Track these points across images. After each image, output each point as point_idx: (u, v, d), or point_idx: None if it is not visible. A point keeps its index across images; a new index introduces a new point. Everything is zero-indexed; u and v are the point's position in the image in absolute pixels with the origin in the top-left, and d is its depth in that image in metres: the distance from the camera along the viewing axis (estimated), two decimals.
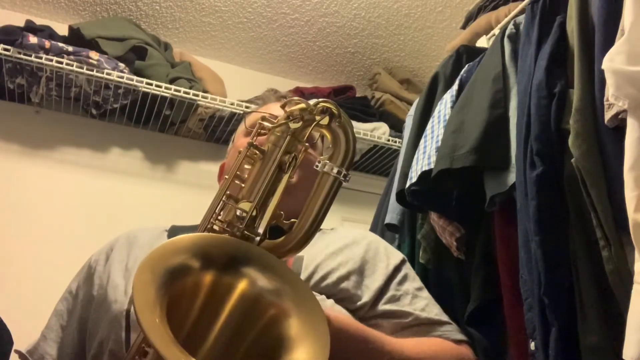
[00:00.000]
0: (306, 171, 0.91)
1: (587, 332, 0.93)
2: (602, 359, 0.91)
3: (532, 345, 0.99)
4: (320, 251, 0.90)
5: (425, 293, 0.95)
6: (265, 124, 0.73)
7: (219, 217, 0.69)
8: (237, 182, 0.71)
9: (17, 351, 0.96)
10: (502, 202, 1.16)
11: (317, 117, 0.70)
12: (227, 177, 0.72)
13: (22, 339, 1.04)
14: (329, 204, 0.70)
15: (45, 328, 0.96)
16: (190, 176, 2.24)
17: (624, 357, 0.79)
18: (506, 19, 1.49)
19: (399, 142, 2.20)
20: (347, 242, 0.95)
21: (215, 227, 0.68)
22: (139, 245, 0.95)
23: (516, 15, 1.41)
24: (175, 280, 0.58)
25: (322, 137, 0.85)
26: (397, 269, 0.95)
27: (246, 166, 0.73)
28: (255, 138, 0.73)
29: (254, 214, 0.68)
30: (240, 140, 1.04)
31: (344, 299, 0.86)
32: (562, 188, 1.02)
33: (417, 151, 1.37)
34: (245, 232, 0.66)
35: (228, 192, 0.70)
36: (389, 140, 2.25)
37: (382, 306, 0.88)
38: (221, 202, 0.70)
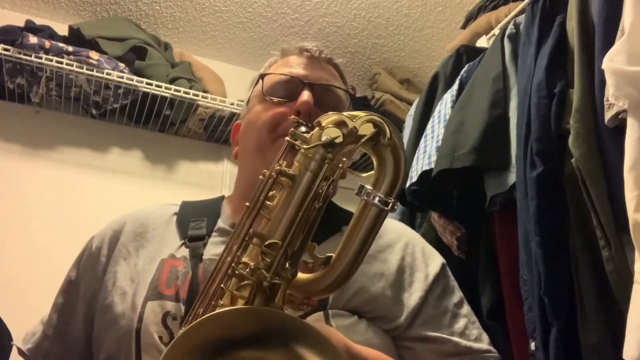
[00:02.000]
0: None
1: (587, 332, 0.93)
2: (602, 359, 0.91)
3: (532, 345, 1.00)
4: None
5: (465, 309, 0.85)
6: (296, 143, 0.60)
7: (242, 259, 0.58)
8: (261, 212, 0.60)
9: (18, 349, 0.88)
10: (503, 202, 1.16)
11: (361, 135, 0.58)
12: (248, 205, 0.61)
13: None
14: (373, 238, 0.60)
15: (46, 324, 0.88)
16: (190, 176, 2.24)
17: (624, 357, 0.79)
18: (506, 19, 1.49)
19: None
20: (381, 246, 0.84)
21: (237, 271, 0.57)
22: (148, 239, 0.85)
23: (516, 15, 1.41)
24: None
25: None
26: (437, 280, 0.84)
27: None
28: (282, 161, 0.61)
29: (283, 255, 0.57)
30: (255, 106, 0.89)
31: (379, 318, 0.77)
32: (562, 188, 1.02)
33: (417, 151, 1.37)
34: (273, 279, 0.57)
35: (251, 230, 0.58)
36: None
37: (419, 329, 0.79)
38: (244, 241, 0.59)
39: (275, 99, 0.86)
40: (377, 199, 0.58)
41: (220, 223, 0.85)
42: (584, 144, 0.97)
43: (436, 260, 0.88)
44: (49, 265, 1.87)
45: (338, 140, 0.58)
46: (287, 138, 0.61)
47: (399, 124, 2.26)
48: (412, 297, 0.80)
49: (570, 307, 0.97)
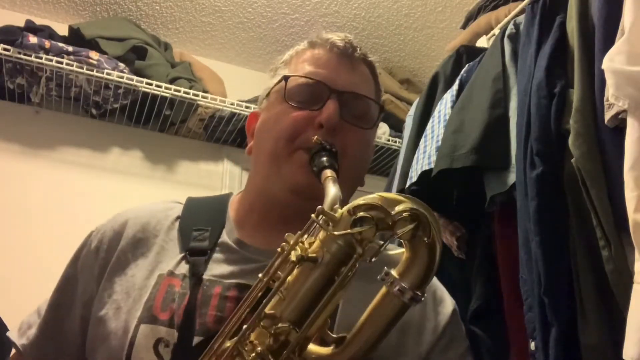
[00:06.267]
0: None
1: (587, 332, 0.93)
2: (602, 359, 0.91)
3: (532, 345, 0.99)
4: (359, 296, 0.65)
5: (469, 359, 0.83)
6: (321, 223, 0.56)
7: (250, 337, 0.56)
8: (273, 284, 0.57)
9: (12, 342, 0.86)
10: (503, 202, 1.16)
11: (399, 229, 0.54)
12: (261, 276, 0.58)
13: None
14: (392, 327, 0.57)
15: (42, 321, 0.85)
16: (190, 176, 2.24)
17: (624, 357, 0.79)
18: (506, 19, 1.49)
19: (399, 142, 2.20)
20: None
21: (243, 351, 0.55)
22: (149, 247, 0.81)
23: (516, 15, 1.41)
24: None
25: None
26: (445, 330, 0.80)
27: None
28: (305, 239, 0.57)
29: (293, 341, 0.55)
30: (276, 106, 0.83)
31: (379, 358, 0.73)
32: (562, 188, 1.02)
33: (417, 151, 1.37)
34: None
35: (269, 311, 0.55)
36: (389, 140, 2.25)
37: None
38: (258, 321, 0.55)
39: (298, 105, 0.80)
40: (403, 291, 0.55)
41: (225, 236, 0.81)
42: (584, 144, 0.97)
43: (447, 308, 0.83)
44: (49, 265, 1.87)
45: (369, 234, 0.55)
46: (313, 216, 0.57)
47: (399, 124, 2.27)
48: (418, 347, 0.76)
49: (570, 307, 0.97)
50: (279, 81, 0.84)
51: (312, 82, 0.80)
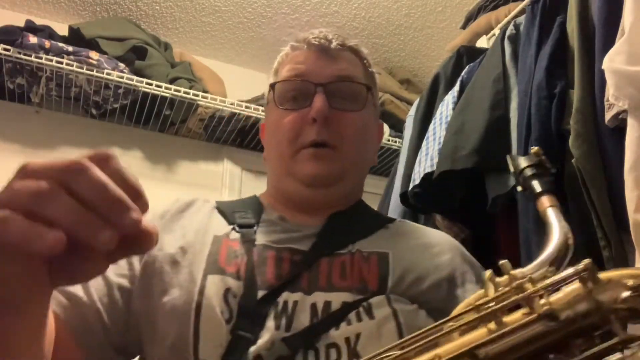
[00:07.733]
0: None
1: None
2: None
3: None
4: (405, 250, 0.77)
5: None
6: (585, 277, 0.44)
7: None
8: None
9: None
10: (505, 203, 1.16)
11: None
12: (480, 304, 0.45)
13: None
14: None
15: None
16: (190, 176, 2.24)
17: None
18: (506, 19, 1.49)
19: (399, 142, 2.20)
20: (429, 242, 0.82)
21: None
22: (192, 213, 0.82)
23: (516, 16, 1.41)
24: None
25: None
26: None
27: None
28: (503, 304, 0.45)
29: None
30: (272, 112, 0.86)
31: (436, 310, 0.71)
32: (562, 188, 1.03)
33: (419, 153, 1.37)
34: None
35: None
36: (389, 140, 2.25)
37: None
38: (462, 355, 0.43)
39: (290, 107, 0.83)
40: None
41: (265, 216, 0.83)
42: (584, 144, 0.97)
43: (480, 268, 0.82)
44: None
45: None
46: (581, 266, 0.45)
47: (399, 124, 2.27)
48: (466, 295, 0.73)
49: None
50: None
51: (295, 82, 0.84)
